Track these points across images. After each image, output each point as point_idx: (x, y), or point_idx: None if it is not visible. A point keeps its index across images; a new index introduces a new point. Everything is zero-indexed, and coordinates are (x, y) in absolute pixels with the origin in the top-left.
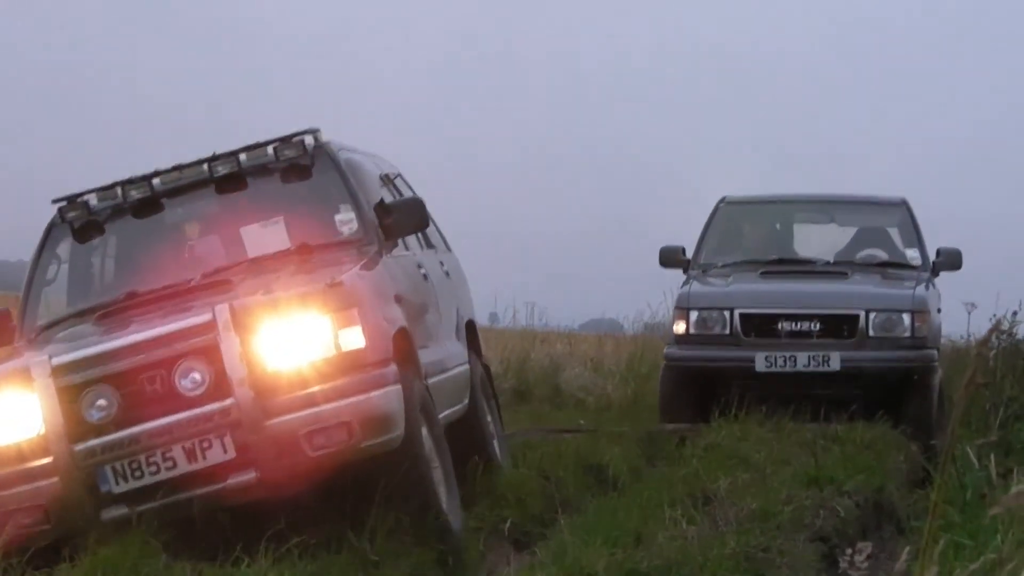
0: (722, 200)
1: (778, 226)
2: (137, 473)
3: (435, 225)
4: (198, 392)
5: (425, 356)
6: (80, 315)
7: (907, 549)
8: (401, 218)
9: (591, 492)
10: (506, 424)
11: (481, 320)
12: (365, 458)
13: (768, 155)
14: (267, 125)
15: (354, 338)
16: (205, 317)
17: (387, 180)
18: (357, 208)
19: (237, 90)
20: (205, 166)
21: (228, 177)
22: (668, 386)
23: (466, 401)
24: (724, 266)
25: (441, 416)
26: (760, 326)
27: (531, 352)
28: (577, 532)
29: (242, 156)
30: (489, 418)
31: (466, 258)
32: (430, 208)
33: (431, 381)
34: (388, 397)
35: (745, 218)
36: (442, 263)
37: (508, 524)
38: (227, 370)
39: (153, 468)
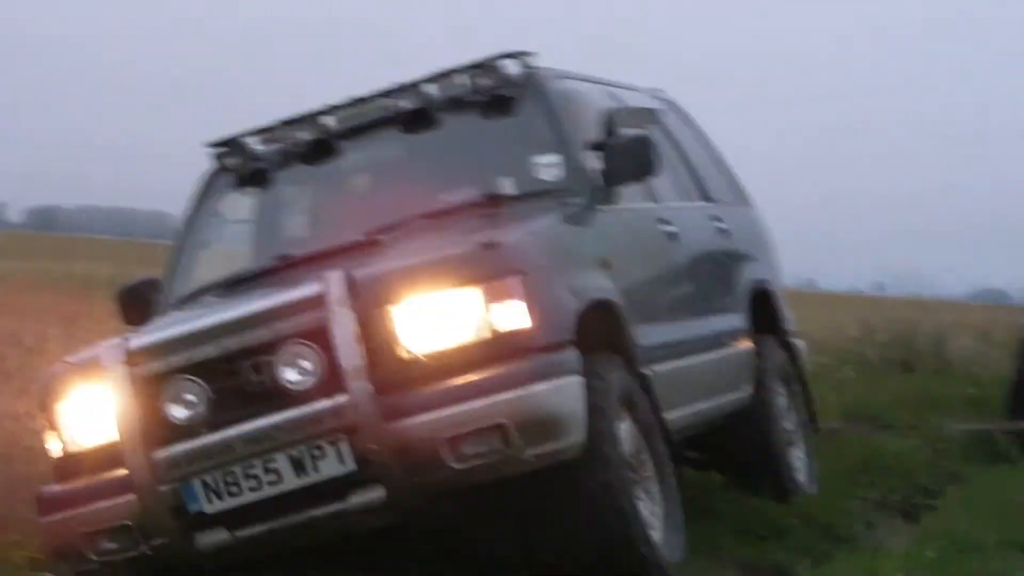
0: None
1: None
2: (233, 489)
3: (729, 174)
4: (306, 385)
5: (655, 334)
6: (225, 283)
7: None
8: (617, 162)
9: (979, 464)
10: (885, 398)
11: (865, 288)
12: (530, 471)
13: None
14: None
15: (515, 315)
16: (314, 289)
17: (637, 116)
18: (565, 148)
19: None
20: (387, 100)
21: (415, 113)
22: None
23: (747, 391)
24: None
25: (687, 412)
26: None
27: (918, 322)
28: (966, 504)
29: (431, 87)
30: (787, 418)
31: (852, 226)
32: (737, 157)
33: (663, 367)
34: (561, 391)
35: None
36: (718, 218)
37: (896, 495)
38: (339, 358)
39: (253, 483)
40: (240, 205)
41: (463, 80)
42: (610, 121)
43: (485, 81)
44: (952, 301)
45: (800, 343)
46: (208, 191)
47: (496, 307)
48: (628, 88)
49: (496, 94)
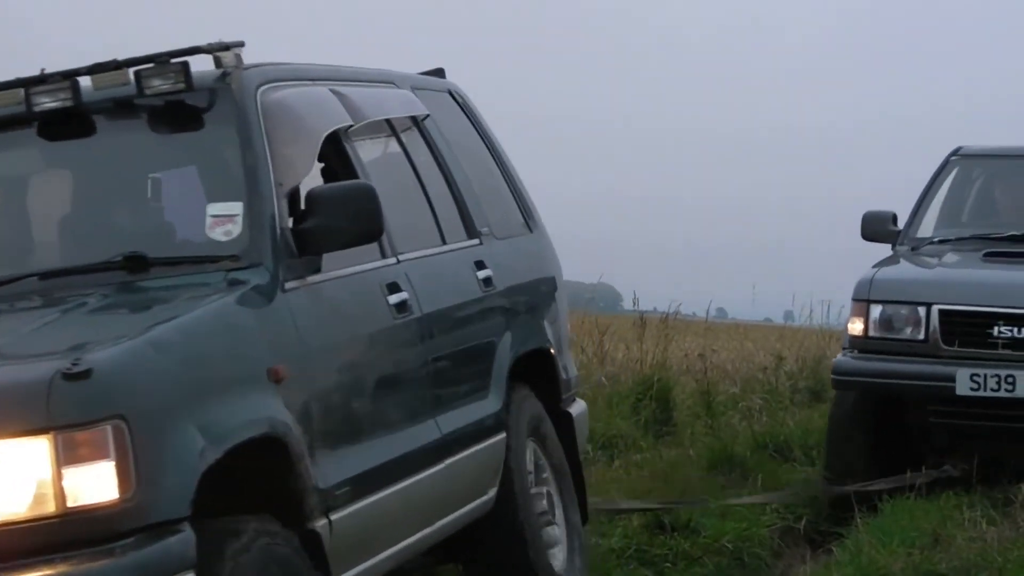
0: (954, 152)
1: None
2: None
3: (517, 197)
4: None
5: (350, 463)
6: None
7: None
8: (324, 222)
9: (888, 492)
10: (792, 426)
11: (776, 318)
12: None
13: None
14: None
15: (100, 483)
16: None
17: (376, 135)
18: (253, 194)
19: None
20: (21, 92)
21: (57, 115)
22: (837, 413)
23: (492, 492)
24: (942, 242)
25: (389, 555)
26: (968, 331)
27: (826, 351)
28: (873, 532)
29: (86, 81)
30: (549, 505)
31: (761, 255)
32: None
33: (356, 508)
34: None
35: (984, 178)
36: (481, 263)
37: (803, 523)
38: None
39: None
40: None
41: (130, 76)
42: (334, 150)
43: (158, 82)
44: None
45: (579, 408)
46: None
47: (71, 470)
48: (387, 83)
49: (172, 101)
